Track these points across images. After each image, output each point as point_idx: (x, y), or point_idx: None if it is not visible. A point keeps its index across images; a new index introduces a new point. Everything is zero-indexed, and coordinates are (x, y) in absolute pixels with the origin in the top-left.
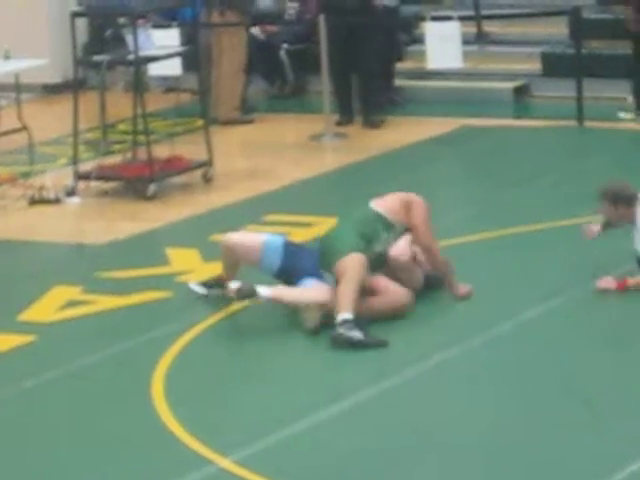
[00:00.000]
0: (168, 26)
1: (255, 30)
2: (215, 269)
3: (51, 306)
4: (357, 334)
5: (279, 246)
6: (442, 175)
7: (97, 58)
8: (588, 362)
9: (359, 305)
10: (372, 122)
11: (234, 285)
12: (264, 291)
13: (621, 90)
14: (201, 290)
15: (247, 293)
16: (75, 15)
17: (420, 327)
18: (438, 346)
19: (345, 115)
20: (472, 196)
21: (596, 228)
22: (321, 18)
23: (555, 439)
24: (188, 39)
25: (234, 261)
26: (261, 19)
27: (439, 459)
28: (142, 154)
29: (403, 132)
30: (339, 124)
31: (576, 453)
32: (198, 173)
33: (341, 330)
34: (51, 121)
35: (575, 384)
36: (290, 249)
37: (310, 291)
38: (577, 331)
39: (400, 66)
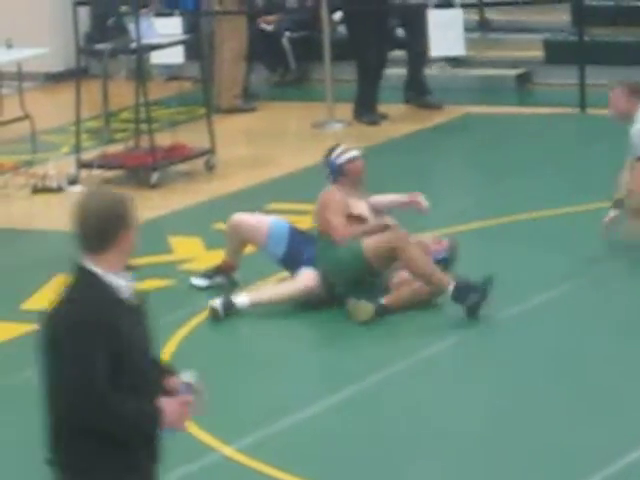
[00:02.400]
0: (170, 14)
1: (260, 21)
2: (218, 257)
3: (54, 295)
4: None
5: (285, 231)
6: (444, 163)
7: (99, 47)
8: (591, 351)
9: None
10: (369, 121)
11: (217, 302)
12: (241, 300)
13: (623, 77)
14: (203, 282)
15: (230, 306)
16: (77, 3)
17: (424, 314)
18: (438, 334)
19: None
20: (474, 184)
21: (613, 214)
22: (323, 5)
23: (553, 428)
24: (190, 27)
25: (239, 243)
26: (263, 7)
27: (439, 446)
28: (145, 142)
29: (406, 120)
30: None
31: (573, 443)
32: (201, 161)
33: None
34: (53, 110)
35: (576, 373)
36: (295, 236)
37: (285, 285)
38: (580, 319)
39: (400, 54)
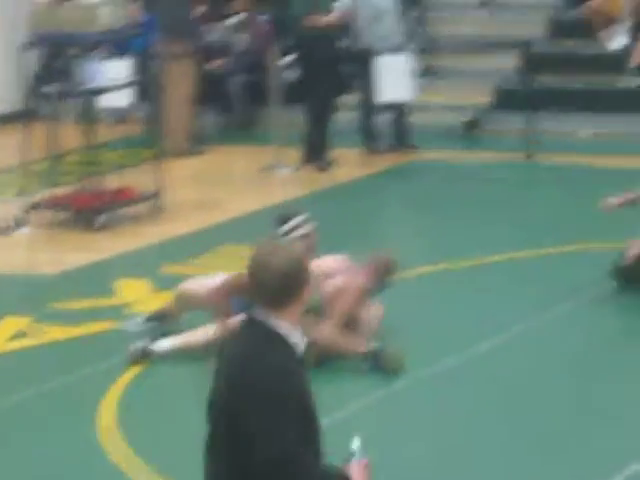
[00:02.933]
0: (119, 57)
1: (209, 65)
2: (165, 299)
3: (0, 337)
4: None
5: None
6: (391, 208)
7: (47, 89)
8: (540, 392)
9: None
10: (318, 167)
11: (135, 346)
12: (163, 345)
13: (572, 124)
14: (135, 328)
15: (148, 352)
16: (25, 46)
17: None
18: (385, 378)
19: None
20: (420, 229)
21: (617, 201)
22: (272, 50)
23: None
24: (139, 70)
25: (188, 308)
26: (210, 51)
27: None
28: (92, 185)
29: (354, 165)
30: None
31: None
32: (148, 204)
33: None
34: (1, 151)
35: (522, 417)
36: None
37: (200, 331)
38: (529, 363)
39: (349, 99)
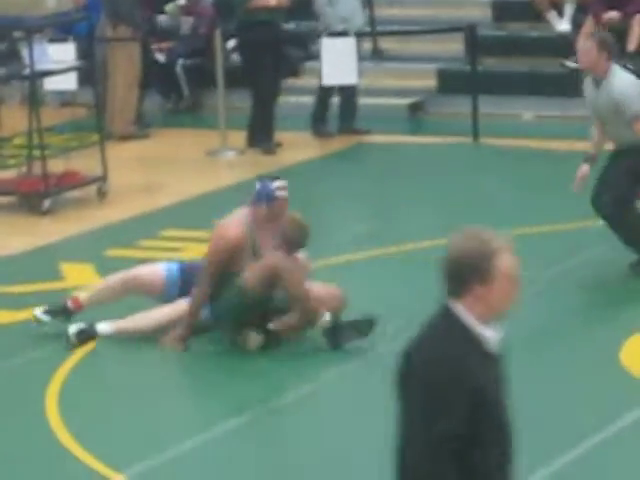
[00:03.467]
0: (64, 40)
1: (154, 49)
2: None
3: None
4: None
5: (177, 274)
6: (336, 192)
7: None
8: None
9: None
10: (264, 150)
11: (73, 329)
12: (105, 328)
13: (516, 107)
14: (45, 318)
15: (88, 335)
16: None
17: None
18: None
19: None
20: (365, 213)
21: (585, 169)
22: (217, 33)
23: None
24: (84, 53)
25: (125, 294)
26: (156, 34)
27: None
28: (37, 169)
29: (300, 148)
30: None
31: None
32: (93, 188)
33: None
34: None
35: None
36: (186, 274)
37: (150, 314)
38: None
39: (296, 82)
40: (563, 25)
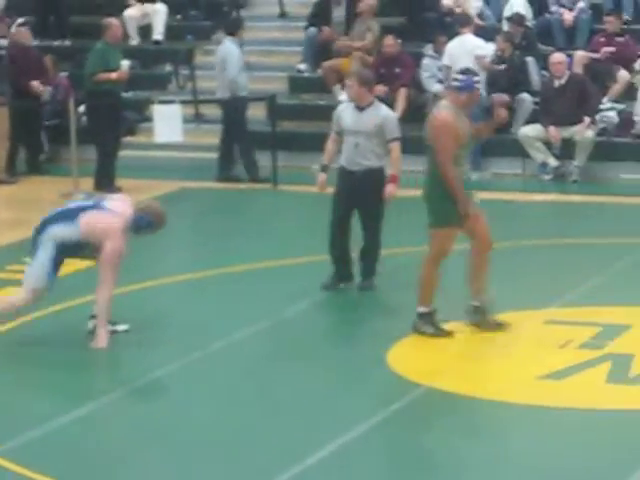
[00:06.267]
0: None
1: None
2: None
3: None
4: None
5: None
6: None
7: None
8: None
9: None
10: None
11: None
12: None
13: (307, 160)
14: None
15: None
16: None
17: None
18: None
19: None
20: (185, 244)
21: (323, 177)
22: (71, 100)
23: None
24: None
25: None
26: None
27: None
28: None
29: (132, 192)
30: None
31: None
32: None
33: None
34: None
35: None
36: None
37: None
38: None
39: (132, 140)
40: (343, 96)
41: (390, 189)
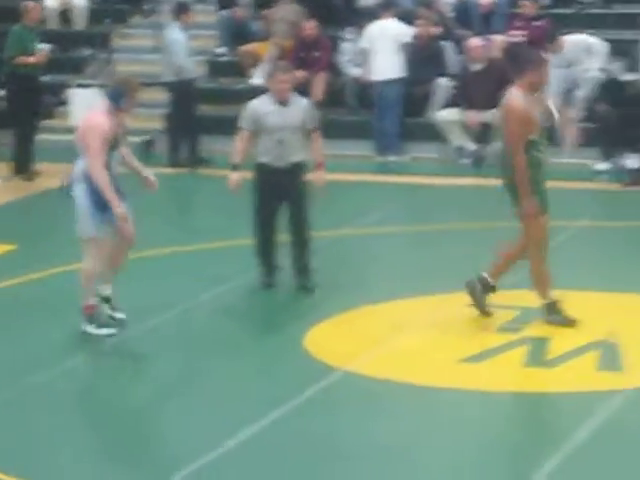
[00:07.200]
0: None
1: None
2: None
3: None
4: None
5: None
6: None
7: None
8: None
9: None
10: (25, 178)
11: None
12: None
13: (229, 144)
14: None
15: None
16: None
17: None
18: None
19: None
20: None
21: (237, 176)
22: None
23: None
24: None
25: None
26: None
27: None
28: None
29: (54, 176)
30: None
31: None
32: None
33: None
34: None
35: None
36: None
37: None
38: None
39: (49, 122)
40: (256, 79)
41: (320, 176)
